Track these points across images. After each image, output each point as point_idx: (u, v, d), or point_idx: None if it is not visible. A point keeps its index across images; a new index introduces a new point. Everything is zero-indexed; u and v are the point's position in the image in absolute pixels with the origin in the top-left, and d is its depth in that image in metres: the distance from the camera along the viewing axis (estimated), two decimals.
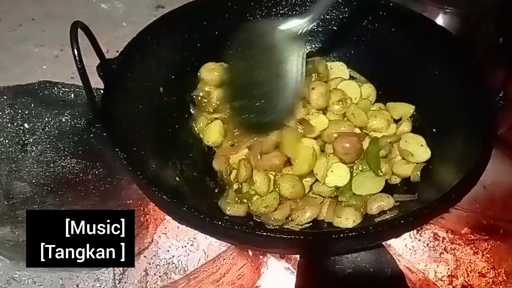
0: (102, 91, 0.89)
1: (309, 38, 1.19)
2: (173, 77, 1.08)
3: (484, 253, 1.16)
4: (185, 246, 1.19)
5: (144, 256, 1.18)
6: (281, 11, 1.16)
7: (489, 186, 1.28)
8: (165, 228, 1.22)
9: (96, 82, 0.88)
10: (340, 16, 1.14)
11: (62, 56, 1.56)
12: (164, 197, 0.76)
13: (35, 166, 0.95)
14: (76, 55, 0.77)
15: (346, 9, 1.12)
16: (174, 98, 1.08)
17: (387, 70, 1.12)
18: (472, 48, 0.96)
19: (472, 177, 0.79)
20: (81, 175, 0.99)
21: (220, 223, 0.73)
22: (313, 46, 1.20)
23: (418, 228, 1.20)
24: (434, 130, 1.02)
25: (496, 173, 1.28)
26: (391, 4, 1.08)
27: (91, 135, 0.98)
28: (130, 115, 0.93)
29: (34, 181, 0.95)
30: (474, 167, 0.80)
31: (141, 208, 1.14)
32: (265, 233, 0.72)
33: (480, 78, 0.92)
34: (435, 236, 1.20)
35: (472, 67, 0.95)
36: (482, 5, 1.01)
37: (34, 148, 0.94)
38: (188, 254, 1.18)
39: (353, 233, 0.72)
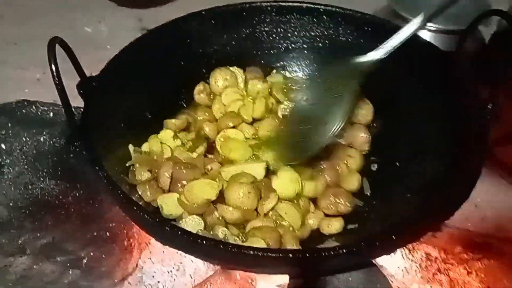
0: (82, 110, 0.87)
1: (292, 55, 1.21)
2: (155, 95, 1.07)
3: (478, 273, 1.14)
4: (171, 271, 1.16)
5: (128, 283, 1.14)
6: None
7: (480, 204, 1.28)
8: (150, 252, 1.18)
9: (78, 102, 0.86)
10: (325, 33, 1.14)
11: (43, 79, 1.54)
12: (147, 217, 0.74)
13: (12, 189, 0.92)
14: (54, 70, 0.75)
15: (331, 25, 1.13)
16: (155, 116, 1.07)
17: (371, 85, 1.11)
18: (458, 62, 0.97)
19: (463, 193, 0.78)
20: (60, 197, 0.96)
21: (204, 242, 0.70)
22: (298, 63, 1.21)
23: (410, 248, 1.18)
24: (422, 146, 1.01)
25: (487, 191, 1.28)
26: (375, 19, 1.10)
27: (71, 155, 0.96)
28: (110, 133, 0.92)
29: (11, 204, 0.92)
30: (464, 182, 0.79)
31: (125, 232, 1.11)
32: (251, 252, 0.69)
33: (467, 93, 0.93)
34: (428, 256, 1.18)
35: (458, 81, 0.95)
36: (464, 22, 1.01)
37: (11, 169, 0.92)
38: (174, 280, 1.15)
39: (344, 250, 0.69)
